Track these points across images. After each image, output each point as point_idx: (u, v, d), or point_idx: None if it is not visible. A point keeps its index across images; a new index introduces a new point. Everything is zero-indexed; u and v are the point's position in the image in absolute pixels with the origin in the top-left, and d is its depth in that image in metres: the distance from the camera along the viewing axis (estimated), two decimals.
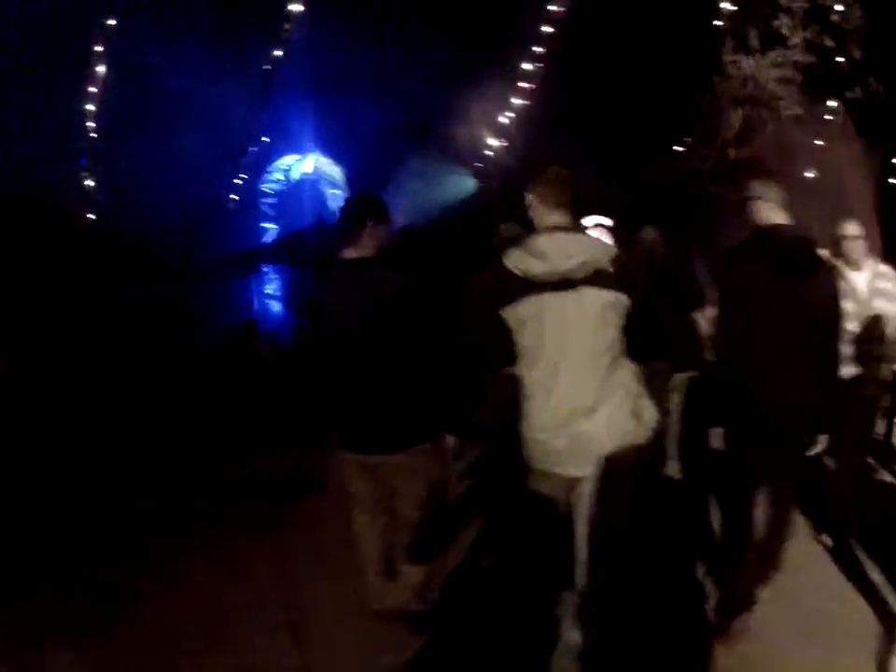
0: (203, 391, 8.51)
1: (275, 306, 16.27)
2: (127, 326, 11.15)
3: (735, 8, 10.54)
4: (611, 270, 2.28)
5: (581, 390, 2.28)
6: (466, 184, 16.03)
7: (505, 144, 14.54)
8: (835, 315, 2.78)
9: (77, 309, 10.79)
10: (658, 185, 12.40)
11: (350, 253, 2.68)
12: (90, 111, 13.05)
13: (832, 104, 9.71)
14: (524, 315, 2.30)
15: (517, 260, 2.32)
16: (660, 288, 3.72)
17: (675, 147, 12.68)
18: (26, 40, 10.93)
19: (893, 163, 9.76)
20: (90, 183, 13.62)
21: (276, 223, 16.39)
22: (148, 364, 9.72)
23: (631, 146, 12.25)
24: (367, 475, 2.69)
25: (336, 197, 16.90)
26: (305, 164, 16.41)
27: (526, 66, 13.02)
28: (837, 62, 9.56)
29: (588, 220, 5.72)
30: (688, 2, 11.09)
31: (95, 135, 13.13)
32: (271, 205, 16.51)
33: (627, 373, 2.35)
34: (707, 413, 3.22)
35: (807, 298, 2.68)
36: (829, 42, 9.56)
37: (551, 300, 2.27)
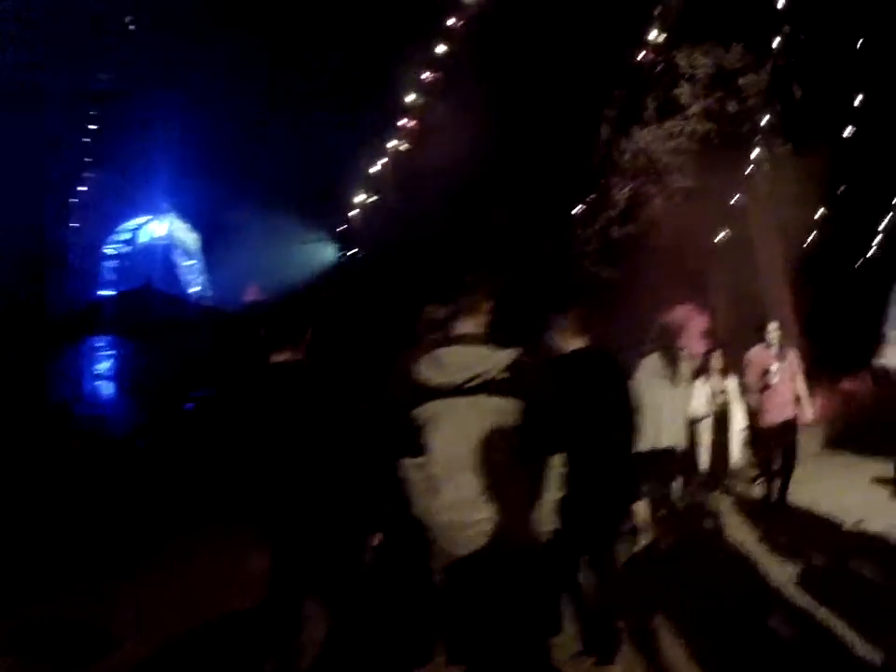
0: None
1: (107, 388, 13.45)
2: None
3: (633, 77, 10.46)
4: (507, 377, 2.59)
5: (469, 486, 2.59)
6: (324, 253, 14.51)
7: (374, 199, 13.07)
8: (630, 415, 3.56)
9: None
10: (545, 268, 11.71)
11: (282, 356, 2.83)
12: None
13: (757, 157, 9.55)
14: (425, 416, 2.65)
15: (422, 371, 2.67)
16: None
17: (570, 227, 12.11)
18: None
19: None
20: None
21: (117, 290, 13.92)
22: None
23: (521, 223, 11.54)
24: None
25: (190, 269, 14.85)
26: (157, 227, 14.34)
27: (408, 99, 11.55)
28: (741, 125, 9.53)
29: None
30: (583, 76, 10.95)
31: None
32: (112, 269, 14.08)
33: (511, 474, 2.65)
34: None
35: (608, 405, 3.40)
36: (732, 107, 9.54)
37: (447, 405, 2.61)
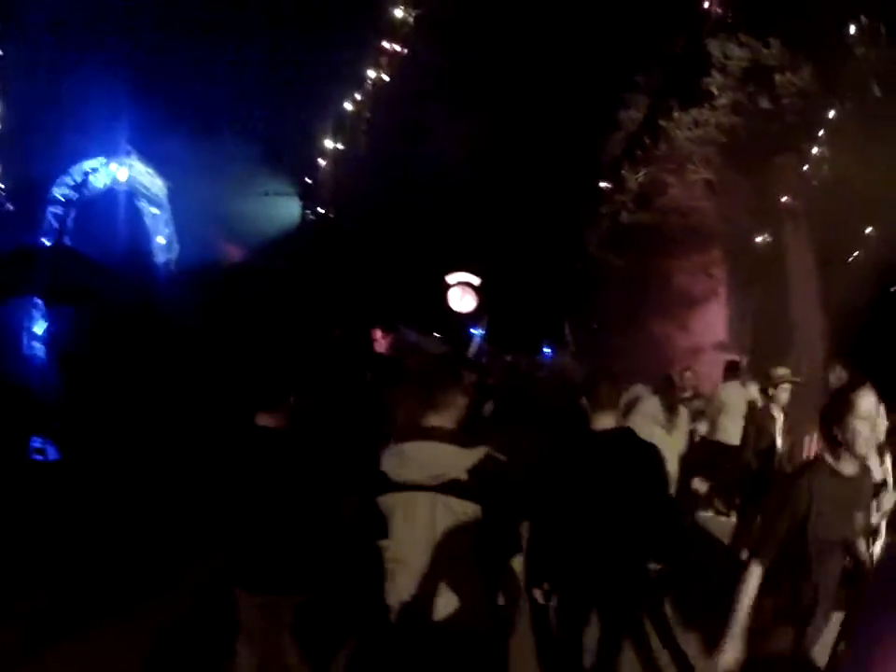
0: None
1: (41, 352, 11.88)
2: None
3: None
4: (469, 479, 2.57)
5: (421, 575, 2.69)
6: (289, 208, 12.98)
7: (343, 149, 11.62)
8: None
9: None
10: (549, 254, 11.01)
11: (266, 420, 3.04)
12: None
13: None
14: (387, 505, 2.68)
15: (386, 463, 2.68)
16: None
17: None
18: None
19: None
20: None
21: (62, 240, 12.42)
22: None
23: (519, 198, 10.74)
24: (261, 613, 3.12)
25: (157, 218, 13.47)
26: (117, 171, 12.77)
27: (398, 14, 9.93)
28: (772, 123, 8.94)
29: (453, 277, 5.21)
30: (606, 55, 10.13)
31: None
32: (58, 216, 12.55)
33: (465, 568, 2.68)
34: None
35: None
36: (764, 103, 8.94)
37: (406, 498, 2.63)
